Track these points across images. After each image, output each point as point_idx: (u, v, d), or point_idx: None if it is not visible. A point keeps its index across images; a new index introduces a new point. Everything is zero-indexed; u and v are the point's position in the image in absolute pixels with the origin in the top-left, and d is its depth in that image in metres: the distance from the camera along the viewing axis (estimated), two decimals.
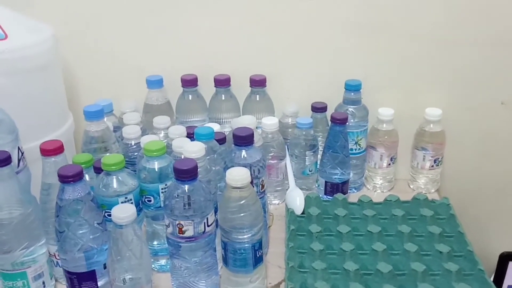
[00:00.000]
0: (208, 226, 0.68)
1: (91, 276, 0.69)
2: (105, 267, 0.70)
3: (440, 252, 0.76)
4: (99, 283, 0.70)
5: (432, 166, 0.99)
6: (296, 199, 0.90)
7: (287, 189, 0.95)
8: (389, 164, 1.00)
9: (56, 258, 0.75)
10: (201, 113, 1.00)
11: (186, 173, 0.65)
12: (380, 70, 1.00)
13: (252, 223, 0.66)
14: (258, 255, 0.68)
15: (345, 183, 0.96)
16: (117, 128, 0.96)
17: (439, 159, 0.99)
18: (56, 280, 0.77)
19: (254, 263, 0.67)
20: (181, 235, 0.67)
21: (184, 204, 0.66)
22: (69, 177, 0.65)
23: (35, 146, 0.77)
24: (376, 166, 1.01)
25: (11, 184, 0.68)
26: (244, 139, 0.75)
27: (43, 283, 0.73)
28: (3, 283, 0.72)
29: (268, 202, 0.93)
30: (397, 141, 1.00)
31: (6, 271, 0.70)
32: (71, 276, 0.69)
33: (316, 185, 0.99)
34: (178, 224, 0.66)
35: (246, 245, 0.66)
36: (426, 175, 1.00)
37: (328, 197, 0.95)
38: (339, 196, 0.91)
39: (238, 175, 0.64)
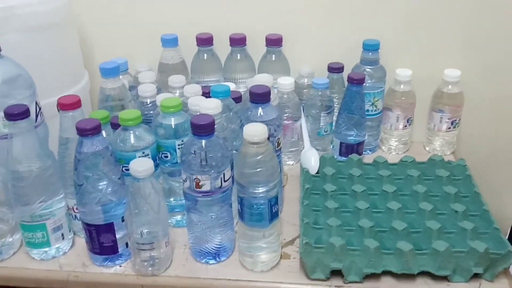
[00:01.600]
0: (224, 181, 0.68)
1: (109, 228, 0.70)
2: (123, 220, 0.71)
3: (456, 211, 0.76)
4: (117, 236, 0.71)
5: (449, 128, 0.98)
6: (311, 159, 0.90)
7: (301, 150, 0.95)
8: (405, 126, 0.99)
9: (74, 211, 0.77)
10: (216, 73, 0.99)
11: (203, 128, 0.65)
12: (398, 31, 0.98)
13: (268, 178, 0.66)
14: (274, 210, 0.68)
15: (360, 144, 0.95)
16: (132, 87, 0.96)
17: (456, 121, 0.98)
18: (74, 233, 0.79)
19: (270, 218, 0.68)
20: (198, 189, 0.67)
21: (201, 159, 0.66)
22: (87, 131, 0.65)
23: (50, 103, 0.77)
24: (392, 128, 1.00)
25: (30, 137, 0.69)
26: (261, 96, 0.74)
27: (62, 235, 0.75)
28: (23, 234, 0.74)
29: (283, 162, 0.93)
30: (414, 102, 0.98)
31: (25, 223, 0.72)
32: (89, 228, 0.70)
33: (331, 146, 0.99)
34: (195, 178, 0.67)
35: (262, 200, 0.67)
36: (443, 137, 1.00)
37: (343, 158, 0.95)
38: (354, 156, 0.91)
39: (255, 131, 0.64)
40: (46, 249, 0.74)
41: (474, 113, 1.02)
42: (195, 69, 1.00)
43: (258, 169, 0.65)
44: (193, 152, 0.66)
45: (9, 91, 0.71)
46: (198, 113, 0.72)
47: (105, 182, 0.68)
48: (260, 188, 0.66)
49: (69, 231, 0.77)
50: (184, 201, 0.74)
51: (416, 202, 0.79)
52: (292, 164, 0.99)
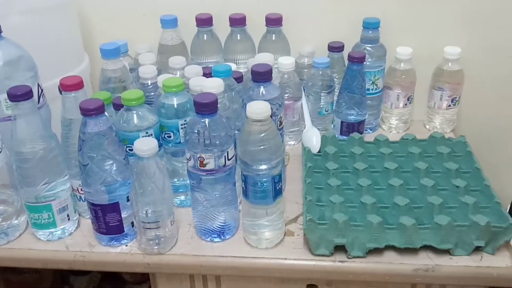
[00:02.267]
0: (228, 159, 0.69)
1: (114, 208, 0.71)
2: (128, 200, 0.71)
3: (457, 186, 0.77)
4: (123, 215, 0.72)
5: (449, 105, 0.98)
6: (313, 138, 0.90)
7: (303, 130, 0.95)
8: (406, 105, 1.00)
9: (79, 192, 0.77)
10: (216, 54, 0.99)
11: (207, 106, 0.65)
12: (398, 9, 0.98)
13: (272, 156, 0.66)
14: (277, 188, 0.69)
15: (361, 123, 0.96)
16: (133, 69, 0.95)
17: (456, 99, 0.98)
18: (79, 215, 0.80)
19: (274, 195, 0.69)
20: (202, 168, 0.68)
21: (205, 137, 0.66)
22: (91, 110, 0.65)
23: (51, 85, 0.77)
24: (393, 106, 1.00)
25: (33, 119, 0.69)
26: (262, 75, 0.74)
27: (68, 216, 0.76)
28: (28, 215, 0.74)
29: (284, 142, 0.94)
30: (414, 81, 0.99)
31: (31, 204, 0.72)
32: (95, 208, 0.71)
33: (332, 126, 1.00)
34: (199, 157, 0.67)
35: (266, 178, 0.67)
36: (443, 115, 1.00)
37: (344, 137, 0.96)
38: (356, 135, 0.91)
39: (259, 108, 0.64)
40: (52, 229, 0.75)
41: (475, 91, 1.02)
42: (195, 50, 1.00)
43: (262, 147, 0.65)
44: (196, 131, 0.66)
45: (11, 72, 0.72)
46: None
47: (109, 162, 0.68)
48: (263, 166, 0.66)
49: (74, 212, 0.77)
50: (187, 181, 0.75)
51: (418, 179, 0.80)
52: (294, 144, 1.00)
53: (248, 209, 0.71)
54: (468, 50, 0.96)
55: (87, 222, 0.78)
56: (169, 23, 0.97)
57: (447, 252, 0.70)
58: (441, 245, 0.70)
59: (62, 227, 0.76)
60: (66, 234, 0.77)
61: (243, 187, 0.70)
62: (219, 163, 0.68)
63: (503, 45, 0.98)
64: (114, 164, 0.69)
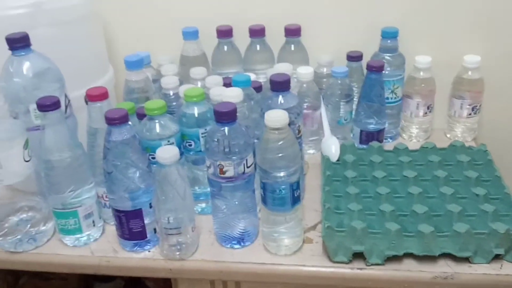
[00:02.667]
0: (247, 167, 0.71)
1: (137, 214, 0.73)
2: (150, 207, 0.74)
3: (477, 195, 0.76)
4: (145, 221, 0.74)
5: (470, 114, 0.98)
6: (332, 147, 0.91)
7: (322, 139, 0.96)
8: (426, 113, 1.00)
9: (104, 200, 0.80)
10: (236, 65, 1.01)
11: (226, 115, 0.67)
12: (416, 18, 0.98)
13: (290, 163, 0.68)
14: (296, 195, 0.70)
15: (380, 132, 0.96)
16: (155, 80, 0.98)
17: (477, 107, 0.98)
18: (104, 221, 0.82)
19: (292, 202, 0.70)
20: (222, 175, 0.70)
21: (225, 145, 0.68)
22: (115, 120, 0.68)
23: (77, 95, 0.80)
24: (412, 115, 1.00)
25: (60, 128, 0.72)
26: (281, 84, 0.76)
27: (93, 222, 0.78)
28: (56, 221, 0.77)
29: (304, 151, 0.95)
30: (434, 89, 0.99)
31: (58, 210, 0.75)
32: (119, 214, 0.73)
33: (351, 135, 1.00)
34: (219, 164, 0.69)
35: (284, 185, 0.68)
36: (464, 123, 1.00)
37: (363, 145, 0.96)
38: (375, 144, 0.92)
39: (276, 117, 0.66)
40: (78, 235, 0.77)
41: (496, 98, 1.02)
42: (215, 61, 1.02)
43: (280, 154, 0.67)
44: (216, 139, 0.68)
45: (39, 84, 0.75)
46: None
47: (133, 170, 0.71)
48: (282, 173, 0.68)
49: (100, 219, 0.80)
50: (208, 189, 0.77)
51: (437, 187, 0.80)
52: (313, 153, 1.01)
53: (267, 216, 0.73)
54: (487, 57, 0.96)
55: (111, 228, 0.80)
56: (191, 35, 1.00)
57: (466, 260, 0.70)
58: (460, 253, 0.70)
59: (87, 233, 0.78)
60: (92, 240, 0.79)
61: (262, 195, 0.71)
62: (238, 171, 0.70)
63: None
64: (138, 172, 0.71)
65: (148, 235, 0.76)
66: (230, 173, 0.69)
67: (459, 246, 0.69)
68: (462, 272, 0.69)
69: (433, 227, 0.70)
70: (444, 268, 0.70)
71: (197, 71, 0.90)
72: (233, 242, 0.76)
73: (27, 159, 0.74)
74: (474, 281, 0.68)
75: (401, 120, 1.04)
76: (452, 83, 0.99)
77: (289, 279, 0.73)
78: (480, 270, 0.69)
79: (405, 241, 0.70)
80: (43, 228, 0.80)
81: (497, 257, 0.70)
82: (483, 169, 0.84)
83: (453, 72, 0.98)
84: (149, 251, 0.77)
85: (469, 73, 0.96)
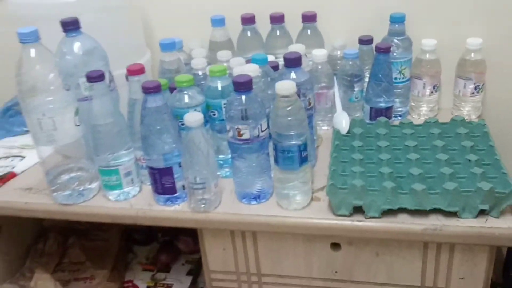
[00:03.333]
0: (261, 131, 0.82)
1: (169, 172, 0.86)
2: (180, 166, 0.86)
3: (469, 160, 0.85)
4: (175, 179, 0.87)
5: (473, 93, 1.06)
6: (342, 121, 1.01)
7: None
8: (432, 93, 1.08)
9: (141, 162, 0.93)
10: (258, 49, 1.12)
11: (243, 85, 0.79)
12: (422, 3, 1.07)
13: (297, 127, 0.78)
14: (303, 156, 0.81)
15: (388, 109, 1.06)
16: (187, 64, 1.10)
17: (480, 86, 1.05)
18: (141, 182, 0.95)
19: (300, 162, 0.81)
20: (239, 137, 0.81)
21: (242, 111, 0.80)
22: (150, 88, 0.81)
23: (119, 74, 0.94)
24: (420, 94, 1.09)
25: (105, 98, 0.85)
26: (293, 61, 0.87)
27: (132, 180, 0.91)
28: (101, 178, 0.91)
29: (318, 127, 1.05)
30: (439, 70, 1.07)
31: (103, 168, 0.89)
32: (153, 172, 0.86)
33: (362, 112, 1.10)
34: (237, 128, 0.80)
35: (293, 147, 0.79)
36: (468, 102, 1.07)
37: (372, 121, 1.06)
38: (382, 119, 1.01)
39: (285, 85, 0.77)
40: (119, 191, 0.91)
41: (499, 78, 1.09)
42: (240, 46, 1.14)
43: (289, 119, 0.78)
44: (235, 105, 0.80)
45: (88, 61, 0.89)
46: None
47: (165, 133, 0.83)
48: (291, 135, 0.79)
49: (137, 178, 0.93)
50: (230, 156, 0.88)
51: (434, 154, 0.88)
52: (327, 129, 1.11)
53: (279, 175, 0.84)
54: (489, 39, 1.03)
55: (147, 188, 0.93)
56: (218, 22, 1.12)
57: (454, 214, 0.79)
58: (448, 208, 0.79)
59: (127, 189, 0.91)
60: (130, 196, 0.92)
61: (274, 156, 0.82)
62: (254, 134, 0.81)
63: None
64: (169, 135, 0.84)
65: (177, 191, 0.88)
66: (246, 135, 0.81)
67: (448, 202, 0.78)
68: (450, 225, 0.78)
69: (425, 186, 0.79)
70: (434, 221, 0.79)
71: (223, 54, 1.02)
72: (251, 198, 0.87)
73: (77, 124, 0.87)
74: (460, 233, 0.77)
75: (409, 100, 1.12)
76: (457, 65, 1.07)
77: (298, 229, 0.84)
78: (466, 223, 0.78)
79: (400, 198, 0.80)
80: (89, 186, 0.93)
81: (482, 212, 0.78)
82: (479, 140, 0.92)
83: (458, 54, 1.06)
84: (178, 205, 0.89)
85: (472, 54, 1.03)
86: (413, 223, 0.79)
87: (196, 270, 1.23)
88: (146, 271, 1.25)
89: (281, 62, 1.04)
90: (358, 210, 0.81)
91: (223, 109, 0.89)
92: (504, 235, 0.76)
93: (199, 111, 0.87)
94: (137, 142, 0.90)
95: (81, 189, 0.92)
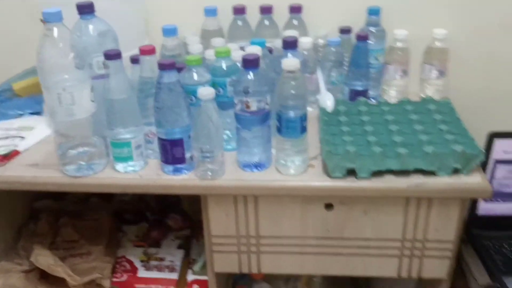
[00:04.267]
0: (266, 104, 0.92)
1: (179, 143, 0.94)
2: (189, 137, 0.94)
3: (441, 130, 0.99)
4: (185, 149, 0.95)
5: (437, 77, 1.21)
6: (327, 100, 1.13)
7: (318, 97, 1.17)
8: (401, 76, 1.22)
9: (149, 136, 1.00)
10: (248, 38, 1.22)
11: (251, 62, 0.88)
12: None
13: (300, 99, 0.89)
14: (303, 125, 0.91)
15: (365, 91, 1.18)
16: None
17: (443, 71, 1.21)
18: (148, 157, 1.02)
19: (301, 131, 0.91)
20: (247, 110, 0.91)
21: (250, 86, 0.89)
22: (166, 65, 0.89)
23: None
24: (391, 78, 1.23)
25: (121, 75, 0.92)
26: (291, 43, 0.98)
27: (141, 153, 0.98)
28: (112, 150, 0.97)
29: None
30: (409, 57, 1.22)
31: (115, 141, 0.95)
32: (165, 143, 0.94)
33: (342, 94, 1.22)
34: (245, 101, 0.90)
35: (296, 117, 0.90)
36: (432, 85, 1.22)
37: (352, 102, 1.18)
38: (362, 99, 1.14)
39: (291, 62, 0.88)
40: (130, 162, 0.97)
41: (461, 66, 1.25)
42: (231, 34, 1.23)
43: (292, 91, 0.88)
44: (243, 81, 0.89)
45: (102, 42, 0.95)
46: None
47: (177, 107, 0.91)
48: (294, 107, 0.89)
49: (145, 151, 1.00)
50: (233, 132, 0.97)
51: (411, 126, 1.02)
52: (311, 110, 1.21)
53: (281, 143, 0.94)
54: (454, 30, 1.19)
55: (154, 161, 1.01)
56: (211, 12, 1.21)
57: (433, 173, 0.92)
58: (428, 167, 0.92)
59: (137, 162, 0.98)
60: (139, 168, 0.99)
61: (277, 126, 0.92)
62: (260, 106, 0.91)
63: (486, 25, 1.22)
64: (180, 109, 0.92)
65: (186, 161, 0.96)
66: (253, 108, 0.90)
67: (427, 163, 0.92)
68: (429, 182, 0.91)
69: (408, 150, 0.92)
70: (416, 180, 0.92)
71: (217, 41, 1.12)
72: (253, 167, 0.97)
73: (92, 100, 0.94)
74: (438, 188, 0.91)
75: (381, 84, 1.26)
76: (424, 52, 1.22)
77: (297, 191, 0.94)
78: (443, 180, 0.91)
79: (387, 161, 0.92)
80: (98, 161, 0.99)
81: (456, 171, 0.92)
82: (447, 114, 1.07)
83: (425, 43, 1.21)
84: (186, 174, 0.97)
85: (437, 43, 1.19)
86: (398, 182, 0.92)
87: (186, 244, 1.30)
88: (137, 247, 1.30)
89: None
90: (350, 172, 0.93)
91: (227, 87, 0.98)
92: (473, 189, 0.90)
93: None
94: (147, 118, 0.97)
95: (90, 163, 0.98)
